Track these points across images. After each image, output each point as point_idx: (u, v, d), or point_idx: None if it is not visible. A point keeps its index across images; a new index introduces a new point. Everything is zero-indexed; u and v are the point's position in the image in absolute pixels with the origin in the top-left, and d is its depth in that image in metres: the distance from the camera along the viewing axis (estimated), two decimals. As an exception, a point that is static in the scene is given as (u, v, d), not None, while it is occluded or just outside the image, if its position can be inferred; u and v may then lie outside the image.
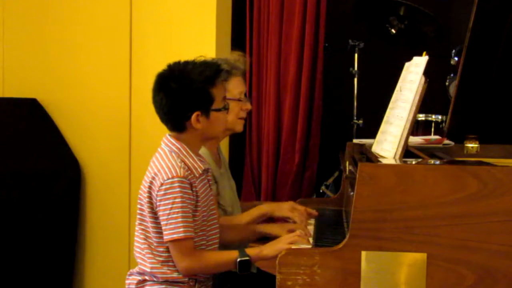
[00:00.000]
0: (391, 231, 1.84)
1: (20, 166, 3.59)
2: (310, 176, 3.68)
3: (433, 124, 3.53)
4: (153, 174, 2.16)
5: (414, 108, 2.14)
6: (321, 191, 3.74)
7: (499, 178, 1.82)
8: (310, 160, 3.68)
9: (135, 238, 2.24)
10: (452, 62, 3.65)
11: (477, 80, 2.45)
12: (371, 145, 2.45)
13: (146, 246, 2.19)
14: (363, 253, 1.84)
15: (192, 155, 2.21)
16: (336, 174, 3.70)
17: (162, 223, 2.12)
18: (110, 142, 3.78)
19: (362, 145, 2.72)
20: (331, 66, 3.89)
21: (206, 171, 2.25)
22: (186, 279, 2.18)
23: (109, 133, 3.78)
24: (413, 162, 2.08)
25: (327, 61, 3.76)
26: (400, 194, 1.84)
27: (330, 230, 2.42)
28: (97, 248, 3.85)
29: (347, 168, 2.65)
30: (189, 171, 2.16)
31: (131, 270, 2.26)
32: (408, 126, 2.13)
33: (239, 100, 2.61)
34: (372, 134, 2.48)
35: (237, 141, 3.73)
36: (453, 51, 3.65)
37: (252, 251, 2.15)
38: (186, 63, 2.20)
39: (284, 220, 2.69)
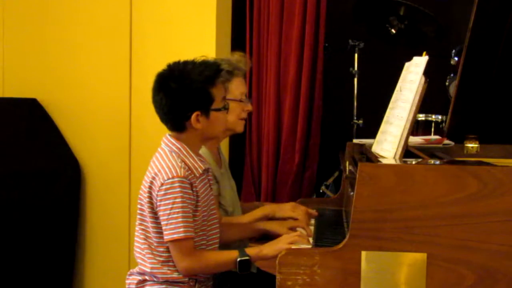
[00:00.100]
0: (391, 231, 1.84)
1: (20, 166, 3.59)
2: (310, 176, 3.68)
3: (433, 124, 3.52)
4: (153, 174, 2.16)
5: (414, 108, 2.14)
6: (321, 191, 3.74)
7: (499, 178, 1.82)
8: (310, 160, 3.68)
9: (135, 238, 2.24)
10: (452, 62, 3.64)
11: (477, 80, 2.45)
12: (371, 145, 2.45)
13: (146, 246, 2.19)
14: (363, 253, 1.84)
15: (192, 155, 2.21)
16: (336, 174, 3.70)
17: (162, 223, 2.12)
18: (110, 142, 3.78)
19: (362, 145, 2.72)
20: (331, 66, 3.89)
21: (206, 171, 2.25)
22: (186, 279, 2.18)
23: (109, 133, 3.78)
24: (413, 162, 2.08)
25: (327, 61, 3.76)
26: (400, 194, 1.84)
27: (330, 230, 2.42)
28: (97, 248, 3.85)
29: (347, 168, 2.65)
30: (189, 171, 2.16)
31: (131, 270, 2.26)
32: (408, 126, 2.13)
33: (240, 101, 2.61)
34: (372, 134, 2.48)
35: (237, 141, 3.73)
36: (453, 51, 3.65)
37: (252, 250, 2.15)
38: (186, 63, 2.20)
39: (286, 219, 2.69)
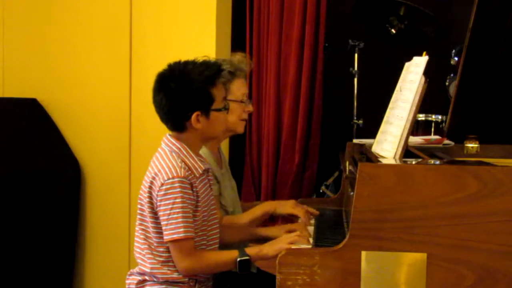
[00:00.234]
0: (391, 231, 1.84)
1: (20, 166, 3.59)
2: (310, 176, 3.68)
3: (433, 124, 3.52)
4: (153, 174, 2.16)
5: (414, 108, 2.14)
6: (321, 191, 3.74)
7: (499, 178, 1.82)
8: (310, 160, 3.68)
9: (135, 238, 2.24)
10: (452, 62, 3.65)
11: (477, 80, 2.45)
12: (371, 145, 2.45)
13: (146, 246, 2.19)
14: (363, 253, 1.84)
15: (193, 155, 2.21)
16: (336, 174, 3.70)
17: (162, 223, 2.12)
18: (110, 142, 3.78)
19: (362, 145, 2.72)
20: (331, 66, 3.89)
21: (206, 171, 2.25)
22: (186, 279, 2.18)
23: (109, 133, 3.78)
24: (413, 162, 2.08)
25: (327, 61, 3.76)
26: (400, 194, 1.84)
27: (330, 230, 2.42)
28: (97, 248, 3.85)
29: (347, 168, 2.65)
30: (190, 171, 2.16)
31: (131, 270, 2.26)
32: (408, 126, 2.13)
33: (241, 101, 2.61)
34: (372, 134, 2.48)
35: (237, 141, 3.73)
36: (453, 51, 3.65)
37: (252, 250, 2.15)
38: (187, 63, 2.20)
39: (286, 217, 2.70)
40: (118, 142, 3.76)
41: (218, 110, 2.22)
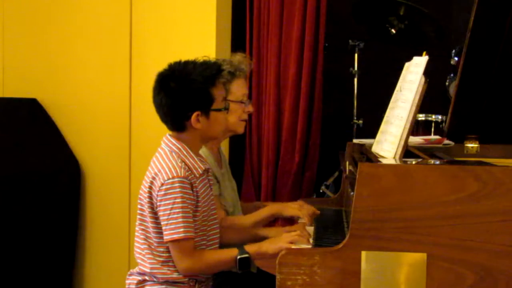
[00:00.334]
0: (391, 231, 1.84)
1: (20, 166, 3.59)
2: (310, 176, 3.68)
3: (433, 124, 3.52)
4: (153, 174, 2.16)
5: (414, 108, 2.14)
6: (321, 191, 3.74)
7: (499, 178, 1.82)
8: (310, 160, 3.68)
9: (135, 239, 2.24)
10: (452, 62, 3.65)
11: (477, 80, 2.45)
12: (371, 145, 2.45)
13: (146, 246, 2.19)
14: (363, 253, 1.84)
15: (193, 155, 2.21)
16: (336, 174, 3.70)
17: (162, 223, 2.12)
18: (110, 142, 3.78)
19: (362, 145, 2.72)
20: (331, 66, 3.89)
21: (206, 171, 2.25)
22: (186, 279, 2.18)
23: (109, 133, 3.78)
24: (413, 162, 2.08)
25: (327, 61, 3.76)
26: (400, 194, 1.84)
27: (330, 230, 2.42)
28: (97, 248, 3.85)
29: (347, 168, 2.65)
30: (190, 171, 2.16)
31: (131, 270, 2.27)
32: (408, 126, 2.13)
33: (241, 102, 2.61)
34: (372, 134, 2.48)
35: (237, 141, 3.73)
36: (453, 51, 3.65)
37: (251, 248, 2.15)
38: (187, 62, 2.20)
39: (292, 219, 2.69)
40: (118, 142, 3.76)
41: (218, 110, 2.22)
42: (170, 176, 2.11)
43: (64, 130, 3.86)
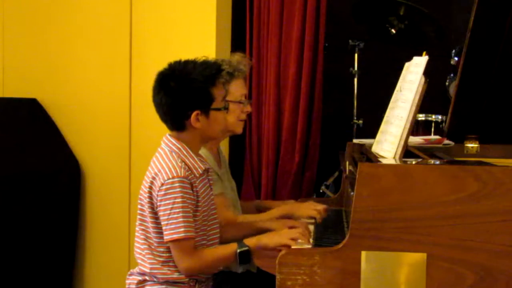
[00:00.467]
0: (391, 231, 1.84)
1: (20, 166, 3.59)
2: (310, 176, 3.68)
3: (433, 124, 3.52)
4: (153, 174, 2.16)
5: (414, 108, 2.14)
6: (321, 191, 3.74)
7: (499, 178, 1.82)
8: (310, 160, 3.67)
9: (135, 239, 2.24)
10: (452, 62, 3.64)
11: (477, 80, 2.45)
12: (371, 145, 2.45)
13: (146, 246, 2.19)
14: (363, 253, 1.84)
15: (193, 155, 2.21)
16: (336, 174, 3.70)
17: (162, 223, 2.12)
18: (110, 142, 3.78)
19: (362, 145, 2.72)
20: (331, 66, 3.89)
21: (206, 171, 2.25)
22: (187, 279, 2.18)
23: (109, 133, 3.78)
24: (413, 162, 2.08)
25: (327, 61, 3.76)
26: (400, 194, 1.84)
27: (330, 230, 2.42)
28: (97, 248, 3.84)
29: (347, 168, 2.65)
30: (190, 171, 2.16)
31: (131, 270, 2.27)
32: (408, 126, 2.13)
33: (240, 102, 2.61)
34: (372, 134, 2.48)
35: (237, 141, 3.73)
36: (453, 51, 3.65)
37: (250, 241, 2.15)
38: (187, 62, 2.20)
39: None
40: (118, 142, 3.76)
41: (218, 109, 2.22)
42: (170, 176, 2.11)
43: (64, 130, 3.86)
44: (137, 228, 2.23)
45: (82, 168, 3.83)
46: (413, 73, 2.22)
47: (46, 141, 3.79)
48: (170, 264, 2.16)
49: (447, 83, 3.64)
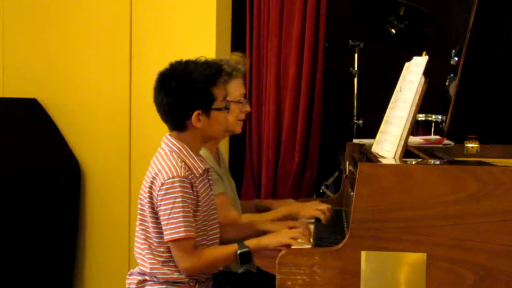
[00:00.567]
0: (391, 231, 1.84)
1: (20, 166, 3.59)
2: (310, 176, 3.68)
3: (433, 124, 3.52)
4: (153, 174, 2.16)
5: (414, 108, 2.14)
6: (321, 191, 3.74)
7: (499, 178, 1.82)
8: (310, 160, 3.67)
9: (136, 238, 2.24)
10: (452, 62, 3.65)
11: (477, 80, 2.45)
12: (371, 145, 2.45)
13: (146, 246, 2.19)
14: (363, 253, 1.84)
15: (193, 155, 2.21)
16: (336, 174, 3.70)
17: (162, 223, 2.12)
18: (110, 142, 3.78)
19: (362, 145, 2.72)
20: (331, 66, 3.89)
21: (206, 171, 2.25)
22: (187, 279, 2.18)
23: (109, 133, 3.78)
24: (413, 162, 2.08)
25: (327, 61, 3.76)
26: (400, 194, 1.84)
27: (330, 230, 2.42)
28: (97, 248, 3.84)
29: (347, 168, 2.65)
30: (190, 171, 2.16)
31: (131, 270, 2.26)
32: (408, 126, 2.13)
33: (239, 102, 2.61)
34: (372, 134, 2.48)
35: (237, 141, 3.73)
36: (453, 51, 3.65)
37: (251, 242, 2.15)
38: (188, 62, 2.20)
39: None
40: (118, 142, 3.76)
41: (219, 109, 2.22)
42: (171, 176, 2.11)
43: (64, 130, 3.86)
44: (137, 228, 2.23)
45: (82, 168, 3.83)
46: (413, 73, 2.22)
47: (46, 141, 3.79)
48: (170, 264, 2.16)
49: (447, 83, 3.64)
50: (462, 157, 2.54)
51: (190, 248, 2.12)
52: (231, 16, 3.78)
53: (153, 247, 2.17)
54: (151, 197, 2.16)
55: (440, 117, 3.52)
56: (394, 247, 1.84)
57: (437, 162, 2.14)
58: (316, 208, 2.54)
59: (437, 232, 1.83)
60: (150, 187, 2.16)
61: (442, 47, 3.74)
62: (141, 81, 3.67)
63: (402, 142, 2.13)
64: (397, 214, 1.84)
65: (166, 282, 2.17)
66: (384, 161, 2.08)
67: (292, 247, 2.06)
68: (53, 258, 3.67)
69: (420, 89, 2.15)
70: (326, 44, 3.70)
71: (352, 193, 2.01)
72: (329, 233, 2.37)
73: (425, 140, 2.75)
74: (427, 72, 2.16)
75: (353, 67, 3.79)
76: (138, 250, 2.22)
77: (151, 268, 2.17)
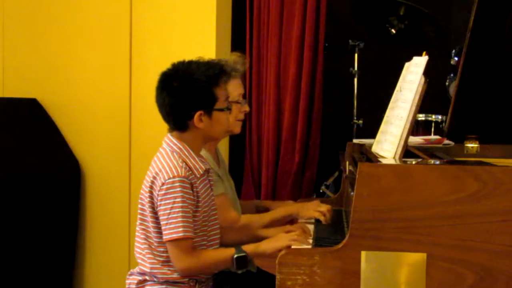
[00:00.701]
0: (391, 231, 1.84)
1: (20, 166, 3.59)
2: (310, 176, 3.68)
3: (433, 124, 3.52)
4: (154, 174, 2.16)
5: (414, 108, 2.14)
6: (321, 191, 3.74)
7: (499, 178, 1.82)
8: (310, 160, 3.67)
9: (136, 238, 2.24)
10: (452, 62, 3.64)
11: (477, 80, 2.45)
12: (371, 145, 2.45)
13: (146, 246, 2.19)
14: (363, 253, 1.84)
15: (194, 155, 2.21)
16: (336, 174, 3.70)
17: (162, 222, 2.12)
18: (110, 142, 3.78)
19: (362, 145, 2.72)
20: (331, 66, 3.89)
21: (207, 171, 2.25)
22: (187, 279, 2.18)
23: (109, 133, 3.78)
24: (413, 162, 2.08)
25: (327, 61, 3.76)
26: (400, 194, 1.84)
27: (330, 230, 2.42)
28: (97, 248, 3.84)
29: (347, 168, 2.65)
30: (190, 171, 2.16)
31: (131, 270, 2.27)
32: (408, 126, 2.13)
33: (237, 102, 2.61)
34: (372, 134, 2.48)
35: (237, 141, 3.73)
36: (453, 51, 3.65)
37: (249, 247, 2.15)
38: (190, 62, 2.20)
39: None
40: (118, 142, 3.76)
41: (221, 110, 2.22)
42: (171, 176, 2.11)
43: (64, 130, 3.86)
44: (137, 228, 2.23)
45: (82, 168, 3.83)
46: (413, 73, 2.22)
47: (46, 141, 3.79)
48: (170, 264, 2.16)
49: (447, 83, 3.64)
50: (462, 157, 2.54)
51: (188, 249, 2.12)
52: (231, 16, 3.78)
53: (153, 247, 2.17)
54: (151, 197, 2.16)
55: (440, 117, 3.52)
56: (394, 247, 1.84)
57: (437, 162, 2.14)
58: (316, 210, 2.54)
59: (437, 232, 1.83)
60: (151, 187, 2.16)
61: (442, 47, 3.73)
62: (141, 81, 3.67)
63: (402, 142, 2.13)
64: (397, 214, 1.84)
65: (166, 282, 2.17)
66: (384, 161, 2.08)
67: (292, 247, 2.06)
68: (53, 258, 3.66)
69: (420, 89, 2.15)
70: (326, 44, 3.69)
71: (352, 193, 2.01)
72: (329, 233, 2.37)
73: (425, 140, 2.75)
74: (427, 72, 2.16)
75: (353, 67, 3.79)
76: (138, 250, 2.22)
77: (151, 268, 2.17)
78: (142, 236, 2.20)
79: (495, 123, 2.53)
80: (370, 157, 2.22)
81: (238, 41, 3.75)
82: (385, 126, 2.33)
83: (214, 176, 2.43)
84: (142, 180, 2.23)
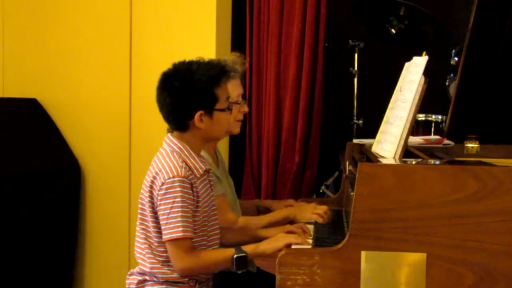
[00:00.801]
0: (391, 231, 1.84)
1: (20, 166, 3.59)
2: (310, 176, 3.68)
3: (433, 124, 3.52)
4: (154, 174, 2.16)
5: (414, 108, 2.14)
6: (321, 191, 3.74)
7: (499, 178, 1.82)
8: (310, 160, 3.67)
9: (136, 238, 2.24)
10: (452, 62, 3.64)
11: (477, 80, 2.45)
12: (371, 145, 2.45)
13: (146, 246, 2.19)
14: (363, 253, 1.84)
15: (194, 155, 2.21)
16: (336, 174, 3.70)
17: (161, 222, 2.12)
18: (110, 142, 3.78)
19: (362, 145, 2.72)
20: (331, 66, 3.89)
21: (207, 171, 2.25)
22: (187, 279, 2.18)
23: (109, 133, 3.78)
24: (413, 162, 2.08)
25: (327, 61, 3.76)
26: (400, 194, 1.84)
27: (330, 230, 2.42)
28: (97, 248, 3.85)
29: (347, 168, 2.65)
30: (190, 171, 2.16)
31: (131, 270, 2.27)
32: (408, 126, 2.13)
33: (236, 102, 2.62)
34: (372, 134, 2.48)
35: (237, 141, 3.73)
36: (453, 51, 3.65)
37: (249, 247, 2.15)
38: (191, 62, 2.20)
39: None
40: (118, 142, 3.76)
41: (222, 110, 2.22)
42: (171, 175, 2.11)
43: (64, 130, 3.86)
44: (137, 228, 2.23)
45: (82, 168, 3.83)
46: (413, 73, 2.22)
47: (46, 141, 3.79)
48: (170, 264, 2.16)
49: (447, 83, 3.64)
50: (462, 157, 2.54)
51: (187, 249, 2.12)
52: (231, 16, 3.78)
53: (153, 246, 2.17)
54: (151, 197, 2.16)
55: (440, 117, 3.52)
56: (394, 247, 1.84)
57: (437, 162, 2.14)
58: (313, 212, 2.54)
59: (437, 232, 1.83)
60: (151, 187, 2.16)
61: (442, 47, 3.73)
62: (141, 81, 3.67)
63: (402, 142, 2.13)
64: (397, 214, 1.84)
65: (166, 282, 2.17)
66: (384, 161, 2.08)
67: (292, 247, 2.06)
68: (53, 257, 3.67)
69: (420, 89, 2.15)
70: (326, 44, 3.69)
71: (352, 193, 2.01)
72: (329, 233, 2.37)
73: (425, 140, 2.75)
74: (427, 72, 2.16)
75: (353, 67, 3.79)
76: (138, 250, 2.22)
77: (151, 268, 2.17)
78: (142, 236, 2.20)
79: (495, 123, 2.53)
80: (370, 157, 2.22)
81: (238, 41, 3.75)
82: (385, 126, 2.33)
83: (212, 177, 2.43)
84: (142, 180, 2.23)
